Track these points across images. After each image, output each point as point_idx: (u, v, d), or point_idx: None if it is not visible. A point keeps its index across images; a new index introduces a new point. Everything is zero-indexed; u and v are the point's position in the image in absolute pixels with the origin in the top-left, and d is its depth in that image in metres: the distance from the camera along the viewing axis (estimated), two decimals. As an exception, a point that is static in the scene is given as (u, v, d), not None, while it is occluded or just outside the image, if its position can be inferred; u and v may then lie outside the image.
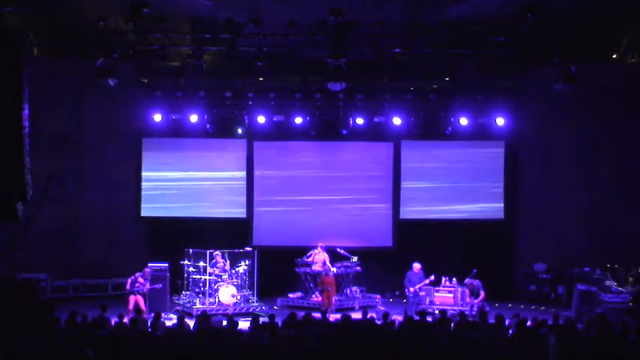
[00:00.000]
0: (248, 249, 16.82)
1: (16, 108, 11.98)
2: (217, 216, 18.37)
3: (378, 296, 17.01)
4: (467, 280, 15.25)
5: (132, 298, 14.49)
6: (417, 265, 15.55)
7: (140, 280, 14.65)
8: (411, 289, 15.39)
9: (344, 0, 14.29)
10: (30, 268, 16.55)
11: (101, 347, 9.07)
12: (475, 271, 15.22)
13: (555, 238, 18.01)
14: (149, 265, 15.42)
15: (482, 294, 14.95)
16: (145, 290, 14.72)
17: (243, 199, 18.54)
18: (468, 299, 15.17)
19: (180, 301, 16.14)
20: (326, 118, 18.19)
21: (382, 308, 15.24)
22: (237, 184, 18.54)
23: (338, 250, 17.00)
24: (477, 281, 15.11)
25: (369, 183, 18.69)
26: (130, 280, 14.65)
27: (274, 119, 17.74)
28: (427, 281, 15.38)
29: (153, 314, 12.42)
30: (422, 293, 15.70)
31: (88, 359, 8.38)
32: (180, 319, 11.54)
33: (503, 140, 18.37)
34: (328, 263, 16.54)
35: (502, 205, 18.44)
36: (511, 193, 18.52)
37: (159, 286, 15.22)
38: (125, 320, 12.12)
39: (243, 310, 15.59)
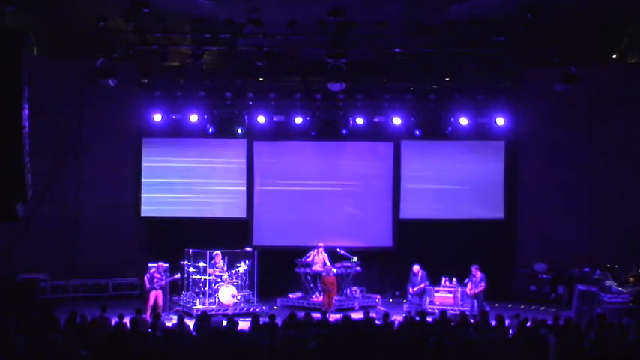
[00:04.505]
0: (248, 249, 16.81)
1: (16, 108, 11.98)
2: (217, 216, 18.35)
3: (378, 296, 17.02)
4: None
5: (152, 295, 14.59)
6: (415, 267, 15.52)
7: (156, 275, 14.76)
8: (410, 290, 15.40)
9: (344, 0, 14.29)
10: (30, 268, 16.57)
11: (101, 347, 9.06)
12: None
13: (555, 238, 18.00)
14: (149, 264, 15.43)
15: (483, 285, 14.83)
16: (164, 284, 14.87)
17: (244, 199, 18.52)
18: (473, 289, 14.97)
19: (181, 301, 16.14)
20: (326, 118, 18.18)
21: (382, 308, 15.25)
22: (237, 184, 18.53)
23: (338, 250, 16.99)
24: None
25: (369, 183, 18.67)
26: (147, 278, 14.74)
27: (274, 119, 17.73)
28: (422, 285, 15.32)
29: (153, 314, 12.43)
30: (423, 294, 15.72)
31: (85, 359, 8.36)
32: (180, 319, 11.54)
33: (503, 140, 18.37)
34: (329, 263, 16.54)
35: (502, 205, 18.43)
36: (511, 193, 18.52)
37: (177, 275, 15.47)
38: (147, 317, 12.08)
39: (243, 310, 15.57)
